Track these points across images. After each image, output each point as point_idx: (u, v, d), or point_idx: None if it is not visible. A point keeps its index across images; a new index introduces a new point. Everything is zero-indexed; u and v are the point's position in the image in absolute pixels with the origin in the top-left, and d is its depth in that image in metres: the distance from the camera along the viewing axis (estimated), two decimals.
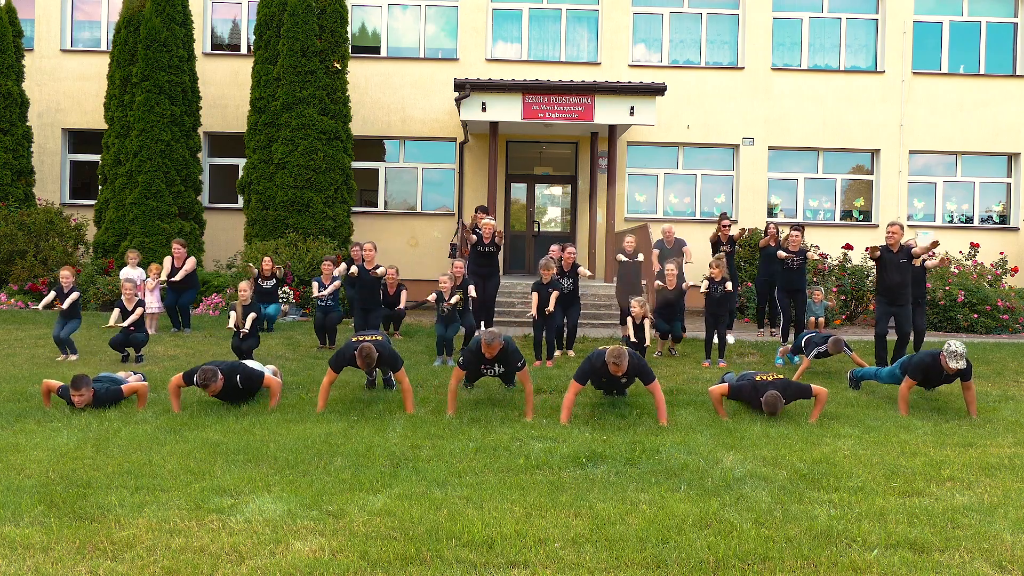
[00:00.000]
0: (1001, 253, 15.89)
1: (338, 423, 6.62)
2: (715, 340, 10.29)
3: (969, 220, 17.59)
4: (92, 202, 16.58)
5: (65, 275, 9.82)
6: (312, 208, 14.85)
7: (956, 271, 14.46)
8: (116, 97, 15.25)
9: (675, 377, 9.09)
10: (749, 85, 17.09)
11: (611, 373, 6.80)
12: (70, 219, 15.41)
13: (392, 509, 4.54)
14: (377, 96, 17.02)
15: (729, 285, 10.18)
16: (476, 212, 13.10)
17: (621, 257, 11.34)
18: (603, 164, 16.34)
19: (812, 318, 11.56)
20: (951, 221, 17.58)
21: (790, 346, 9.96)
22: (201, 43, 16.92)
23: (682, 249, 12.03)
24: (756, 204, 17.12)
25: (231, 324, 9.40)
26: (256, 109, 15.19)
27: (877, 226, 17.07)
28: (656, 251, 12.13)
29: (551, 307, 9.79)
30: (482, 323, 11.48)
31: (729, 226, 12.06)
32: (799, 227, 11.06)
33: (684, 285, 10.44)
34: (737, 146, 17.24)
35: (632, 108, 14.92)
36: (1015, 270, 15.31)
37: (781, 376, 7.36)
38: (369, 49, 17.35)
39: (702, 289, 10.28)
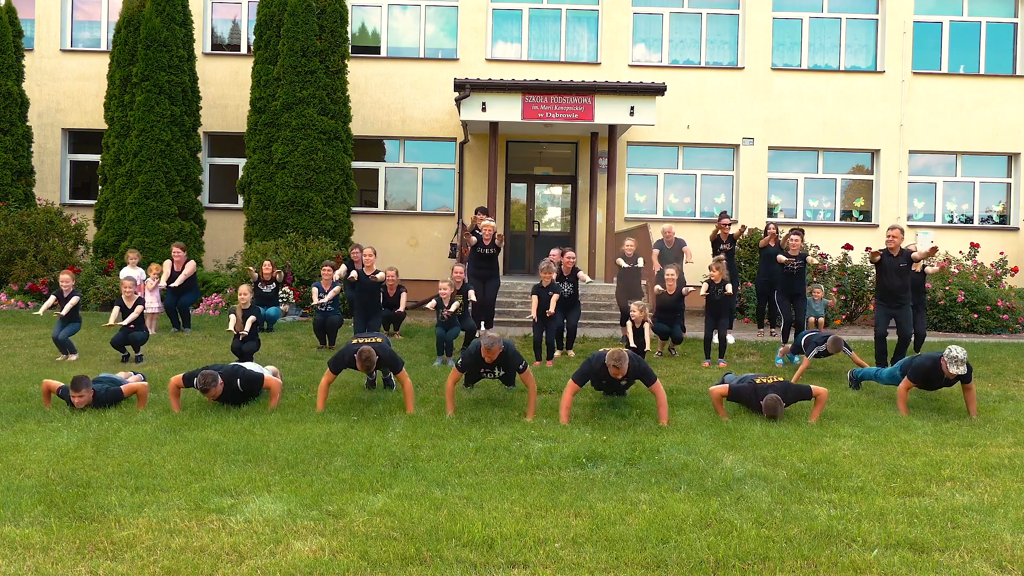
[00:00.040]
0: (1001, 253, 15.89)
1: (338, 423, 6.62)
2: (715, 340, 10.29)
3: (969, 220, 17.59)
4: (92, 202, 16.58)
5: (65, 279, 9.81)
6: (312, 208, 14.85)
7: (956, 271, 14.46)
8: (116, 97, 15.25)
9: (675, 377, 9.09)
10: (749, 85, 17.09)
11: (611, 376, 6.79)
12: (70, 219, 15.41)
13: (392, 509, 4.54)
14: (377, 96, 17.03)
15: (729, 287, 10.19)
16: (476, 213, 13.10)
17: (621, 262, 11.30)
18: (603, 164, 16.34)
19: (812, 318, 11.57)
20: (951, 221, 17.58)
21: (790, 346, 9.96)
22: (201, 43, 16.92)
23: (682, 249, 12.03)
24: (756, 204, 17.12)
25: (231, 327, 9.40)
26: (256, 109, 15.19)
27: (877, 226, 17.07)
28: (656, 251, 12.13)
29: (552, 310, 9.80)
30: (482, 323, 11.49)
31: (729, 225, 12.05)
32: (799, 231, 11.04)
33: (684, 290, 10.43)
34: (737, 146, 17.24)
35: (632, 108, 14.92)
36: (1015, 270, 15.31)
37: (781, 379, 7.36)
38: (369, 49, 17.35)
39: (702, 291, 10.29)
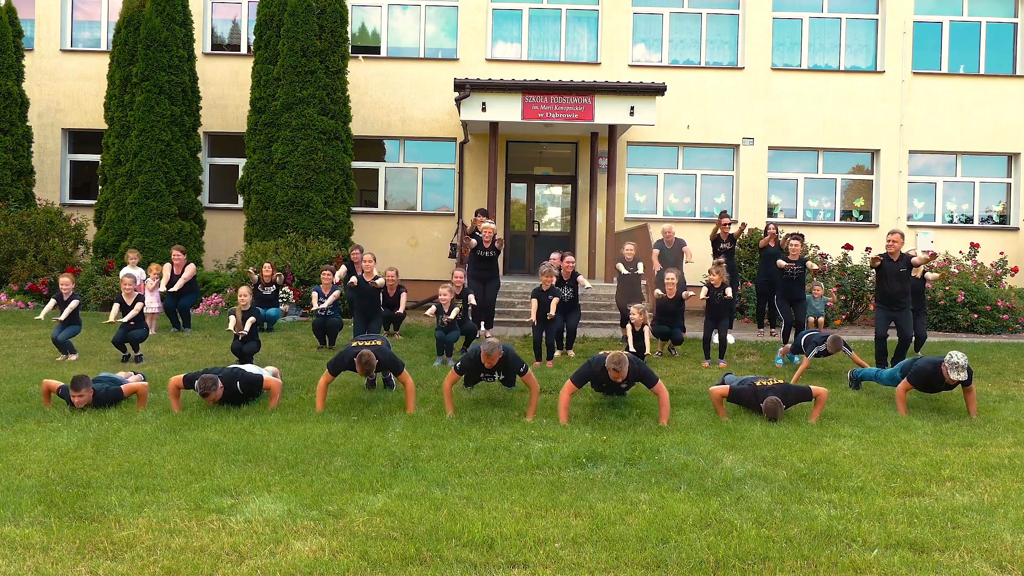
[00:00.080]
0: (1001, 253, 15.89)
1: (338, 423, 6.62)
2: (715, 340, 10.29)
3: (969, 220, 17.59)
4: (92, 202, 16.58)
5: (65, 282, 9.80)
6: (312, 208, 14.85)
7: (956, 271, 14.46)
8: (116, 97, 15.25)
9: (675, 377, 9.09)
10: (749, 85, 17.09)
11: (611, 379, 6.79)
12: (70, 219, 15.41)
13: (392, 509, 4.54)
14: (377, 96, 17.03)
15: (729, 291, 10.19)
16: (476, 215, 13.09)
17: (621, 267, 11.25)
18: (603, 164, 16.34)
19: (812, 317, 11.57)
20: (951, 221, 17.58)
21: (790, 346, 9.96)
22: (201, 43, 16.92)
23: (682, 249, 12.03)
24: (756, 204, 17.11)
25: (230, 327, 9.40)
26: (256, 109, 15.19)
27: (877, 226, 17.08)
28: (656, 251, 12.13)
29: (552, 312, 9.80)
30: (482, 323, 11.49)
31: (729, 224, 12.05)
32: (798, 236, 11.04)
33: (684, 293, 10.43)
34: (737, 146, 17.24)
35: (632, 108, 14.92)
36: (1015, 270, 15.31)
37: (781, 381, 7.36)
38: (369, 49, 17.35)
39: (701, 295, 10.28)
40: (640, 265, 11.34)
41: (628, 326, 9.83)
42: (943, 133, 17.23)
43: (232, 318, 9.41)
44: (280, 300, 12.72)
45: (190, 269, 11.77)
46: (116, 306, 9.79)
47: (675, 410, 7.24)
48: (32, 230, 14.75)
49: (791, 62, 17.39)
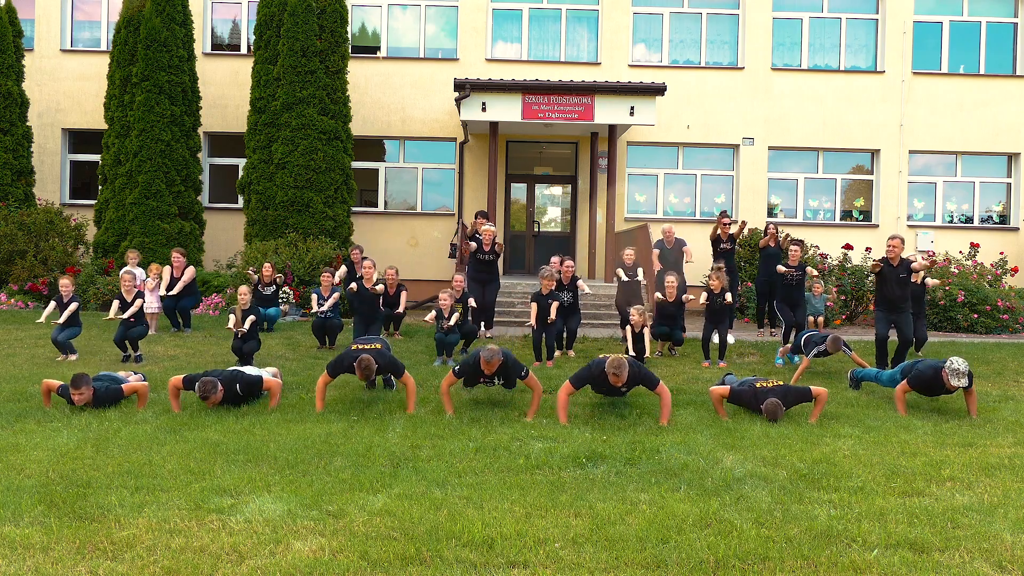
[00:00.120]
0: (1001, 253, 15.90)
1: (338, 423, 6.62)
2: (714, 340, 10.29)
3: (969, 220, 17.59)
4: (92, 202, 16.58)
5: (65, 284, 9.80)
6: (312, 208, 14.85)
7: (956, 271, 14.46)
8: (116, 97, 15.25)
9: (675, 377, 9.09)
10: (749, 85, 17.09)
11: (611, 383, 6.78)
12: (70, 219, 15.41)
13: (392, 509, 4.54)
14: (377, 96, 17.03)
15: (729, 297, 10.19)
16: (476, 218, 13.09)
17: (620, 274, 11.20)
18: (603, 164, 16.34)
19: (812, 317, 11.56)
20: (951, 221, 17.58)
21: (790, 346, 9.96)
22: (201, 43, 16.92)
23: (682, 249, 12.03)
24: (756, 204, 17.11)
25: (230, 325, 9.40)
26: (256, 109, 15.19)
27: (877, 226, 17.08)
28: (656, 251, 12.12)
29: (552, 316, 9.80)
30: (482, 324, 11.49)
31: (729, 224, 12.05)
32: (798, 242, 11.05)
33: (684, 297, 10.43)
34: (737, 146, 17.24)
35: (632, 108, 14.92)
36: (1015, 270, 15.31)
37: (781, 382, 7.36)
38: (369, 49, 17.35)
39: (701, 301, 10.27)
40: (640, 271, 11.30)
41: (628, 327, 9.84)
42: (943, 133, 17.23)
43: (232, 316, 9.42)
44: (280, 300, 12.72)
45: (189, 272, 11.76)
46: (116, 303, 9.80)
47: (675, 410, 7.23)
48: (32, 230, 14.75)
49: (791, 62, 17.40)
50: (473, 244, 11.54)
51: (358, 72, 16.61)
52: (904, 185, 17.27)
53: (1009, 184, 17.60)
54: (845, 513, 4.60)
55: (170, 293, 11.54)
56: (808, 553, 4.01)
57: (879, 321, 9.36)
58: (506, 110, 14.96)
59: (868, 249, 15.22)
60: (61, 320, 9.62)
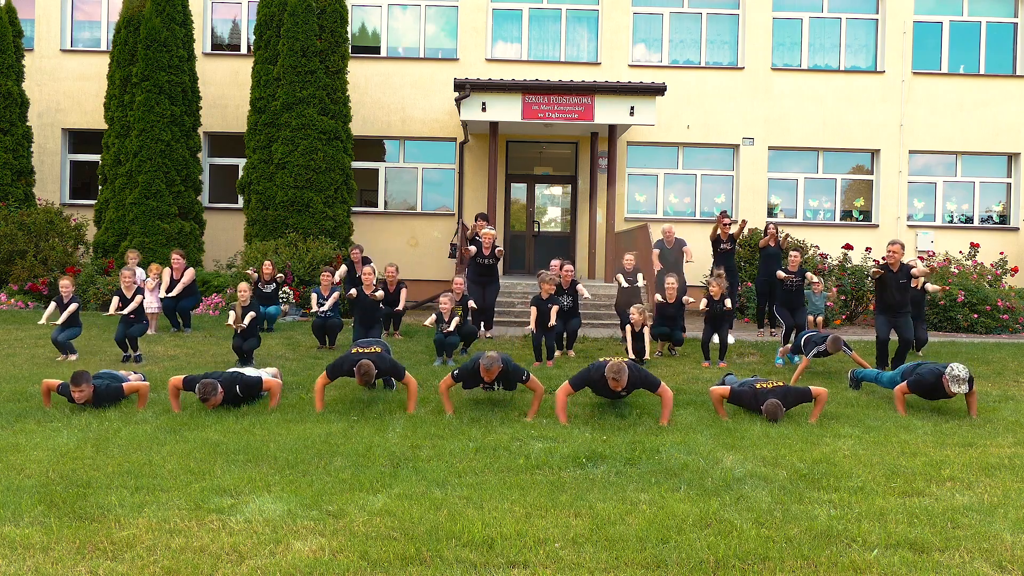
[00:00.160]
0: (1001, 253, 15.89)
1: (338, 423, 6.62)
2: (714, 340, 10.29)
3: (969, 220, 17.59)
4: (92, 202, 16.58)
5: (65, 285, 9.80)
6: (312, 208, 14.85)
7: (956, 271, 14.46)
8: (116, 97, 15.25)
9: (675, 377, 9.09)
10: (749, 85, 17.09)
11: (610, 388, 6.78)
12: (70, 219, 15.41)
13: (392, 509, 4.54)
14: (377, 96, 17.03)
15: (728, 303, 10.19)
16: (476, 220, 13.08)
17: (620, 279, 11.18)
18: (603, 164, 16.34)
19: (812, 316, 11.57)
20: (951, 221, 17.58)
21: (790, 346, 9.97)
22: (201, 43, 16.92)
23: (682, 249, 12.03)
24: (756, 204, 17.11)
25: (230, 322, 9.40)
26: (256, 109, 15.19)
27: (877, 226, 17.08)
28: (656, 251, 12.13)
29: (553, 321, 9.79)
30: (481, 324, 11.49)
31: (729, 224, 12.05)
32: (798, 248, 11.06)
33: (684, 299, 10.43)
34: (737, 146, 17.24)
35: (632, 108, 14.93)
36: (1015, 270, 15.31)
37: (781, 383, 7.35)
38: (369, 49, 17.35)
39: (701, 307, 10.25)
40: (640, 276, 11.27)
41: (628, 327, 9.83)
42: (943, 133, 17.23)
43: (232, 313, 9.42)
44: (280, 300, 12.72)
45: (189, 273, 11.76)
46: (116, 299, 9.82)
47: (675, 410, 7.23)
48: (32, 230, 14.75)
49: (791, 62, 17.40)
50: (473, 248, 11.54)
51: (358, 72, 16.61)
52: (904, 185, 17.27)
53: (1009, 184, 17.60)
54: (845, 513, 4.60)
55: (170, 295, 11.54)
56: (808, 553, 4.01)
57: (879, 324, 9.38)
58: (506, 110, 14.96)
59: (868, 249, 15.22)
60: (61, 321, 9.63)
